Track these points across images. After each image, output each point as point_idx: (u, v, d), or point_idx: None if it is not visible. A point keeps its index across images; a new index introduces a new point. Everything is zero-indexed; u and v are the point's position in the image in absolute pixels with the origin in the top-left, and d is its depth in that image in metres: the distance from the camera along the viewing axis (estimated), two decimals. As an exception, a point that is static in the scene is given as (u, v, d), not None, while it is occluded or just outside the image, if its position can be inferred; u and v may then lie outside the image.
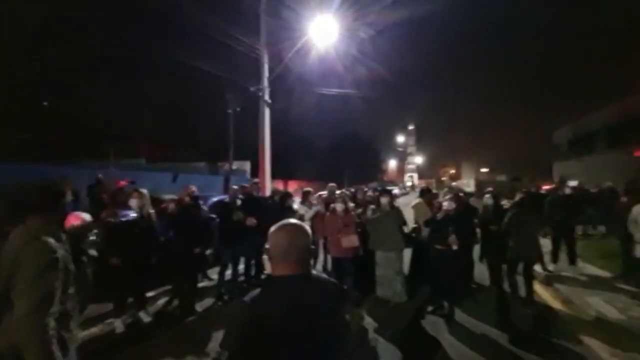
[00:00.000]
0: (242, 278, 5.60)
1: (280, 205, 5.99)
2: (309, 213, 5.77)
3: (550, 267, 6.37)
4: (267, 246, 1.28)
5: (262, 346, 1.09)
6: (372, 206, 5.20)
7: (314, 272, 1.32)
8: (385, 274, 4.79)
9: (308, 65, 11.16)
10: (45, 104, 24.57)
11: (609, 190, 9.04)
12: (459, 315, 4.37)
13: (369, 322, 4.23)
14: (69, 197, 1.79)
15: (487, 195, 5.16)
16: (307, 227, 1.32)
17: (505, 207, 5.16)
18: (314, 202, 6.25)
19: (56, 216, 1.74)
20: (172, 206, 4.84)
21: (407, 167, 78.53)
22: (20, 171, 8.69)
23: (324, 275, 1.36)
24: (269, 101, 10.63)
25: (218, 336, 3.80)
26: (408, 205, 6.29)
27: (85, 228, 3.89)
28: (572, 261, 6.50)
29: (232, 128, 19.20)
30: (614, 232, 6.55)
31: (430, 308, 4.54)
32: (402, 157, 78.15)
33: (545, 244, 5.30)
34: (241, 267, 5.60)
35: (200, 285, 5.13)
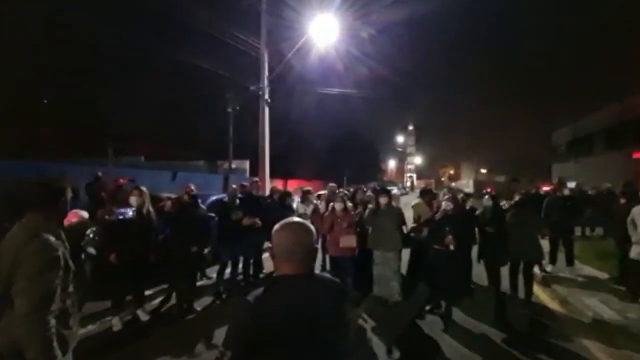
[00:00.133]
0: (240, 277, 5.60)
1: (280, 205, 6.00)
2: (308, 211, 5.78)
3: (548, 268, 6.38)
4: (270, 245, 1.27)
5: (265, 346, 1.09)
6: (371, 205, 5.21)
7: (316, 271, 1.30)
8: (383, 273, 4.80)
9: (308, 65, 11.18)
10: (45, 101, 24.51)
11: (608, 192, 9.06)
12: (457, 315, 4.37)
13: (367, 321, 4.23)
14: (70, 194, 1.75)
15: (487, 196, 5.16)
16: (311, 226, 1.29)
17: (504, 207, 5.17)
18: (314, 201, 6.25)
19: (56, 214, 1.73)
20: (169, 205, 4.85)
21: (406, 167, 78.48)
22: (17, 168, 8.68)
23: (327, 275, 1.35)
24: (269, 100, 10.63)
25: (216, 335, 3.82)
26: (407, 205, 6.30)
27: (82, 225, 3.89)
28: (570, 262, 6.52)
29: (231, 127, 19.19)
30: (611, 233, 6.57)
31: (427, 307, 4.55)
32: (402, 157, 78.06)
33: (544, 245, 5.33)
34: (240, 266, 5.60)
35: (198, 284, 5.13)
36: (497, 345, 3.74)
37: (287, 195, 6.13)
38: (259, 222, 5.32)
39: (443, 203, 4.64)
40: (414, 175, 76.03)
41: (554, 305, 4.96)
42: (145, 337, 3.88)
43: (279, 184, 18.16)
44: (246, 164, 25.85)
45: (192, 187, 4.98)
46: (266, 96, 10.57)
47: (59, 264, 1.56)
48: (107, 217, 4.21)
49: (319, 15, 9.64)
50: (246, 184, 6.32)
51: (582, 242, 8.42)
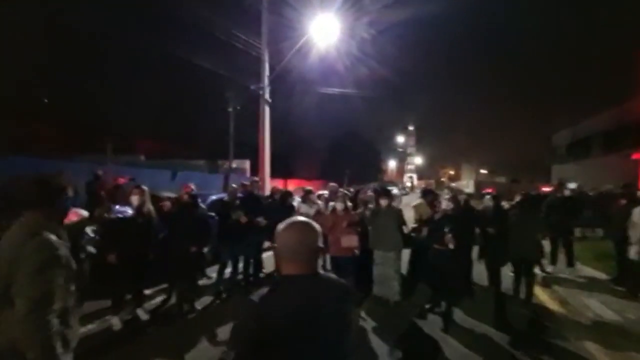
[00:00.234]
0: (240, 277, 5.59)
1: (281, 204, 5.99)
2: (310, 211, 5.77)
3: (549, 268, 6.39)
4: (270, 244, 1.26)
5: (268, 346, 1.08)
6: (371, 205, 5.20)
7: (321, 271, 1.29)
8: (384, 273, 4.80)
9: (309, 65, 11.17)
10: (45, 100, 24.50)
11: (607, 193, 9.07)
12: (458, 315, 4.38)
13: (367, 321, 4.23)
14: (71, 192, 1.72)
15: (488, 197, 5.17)
16: (316, 225, 1.28)
17: (505, 208, 5.17)
18: (316, 201, 6.24)
19: (56, 212, 1.71)
20: (168, 204, 4.83)
21: (406, 168, 78.50)
22: (15, 165, 8.68)
23: (332, 275, 1.34)
24: (269, 100, 10.63)
25: (216, 334, 3.82)
26: (408, 205, 6.30)
27: (81, 223, 3.88)
28: (570, 263, 6.52)
29: (232, 126, 19.19)
30: (610, 234, 6.58)
31: (427, 305, 4.55)
32: (402, 158, 78.10)
33: (544, 245, 5.36)
34: (240, 265, 5.60)
35: (198, 283, 5.11)
36: (497, 345, 3.74)
37: (288, 194, 6.12)
38: (263, 221, 5.31)
39: (443, 203, 4.64)
40: (414, 176, 76.03)
41: (553, 305, 4.96)
42: (145, 336, 3.87)
43: (279, 184, 18.17)
44: (246, 164, 25.85)
45: (192, 186, 4.98)
46: (267, 96, 10.56)
47: (60, 263, 1.55)
48: (105, 215, 4.19)
49: (319, 15, 9.64)
50: (247, 183, 6.31)
51: (582, 243, 8.43)
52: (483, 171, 64.27)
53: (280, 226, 1.25)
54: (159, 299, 4.77)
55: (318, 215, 5.67)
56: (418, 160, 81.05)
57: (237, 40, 10.29)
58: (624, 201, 6.03)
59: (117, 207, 4.16)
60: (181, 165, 21.22)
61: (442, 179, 70.40)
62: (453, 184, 41.35)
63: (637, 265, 4.97)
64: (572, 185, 8.84)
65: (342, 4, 9.67)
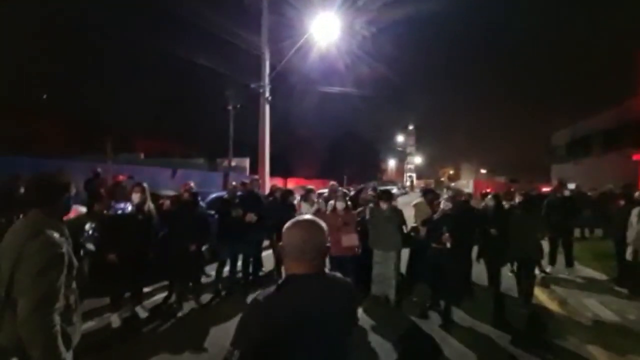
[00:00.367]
0: (240, 275, 5.59)
1: (282, 203, 5.99)
2: (311, 210, 5.77)
3: (548, 268, 6.40)
4: (280, 243, 1.25)
5: (273, 346, 1.08)
6: (371, 205, 5.20)
7: (327, 270, 1.28)
8: (382, 272, 4.80)
9: (309, 64, 11.15)
10: (44, 97, 24.45)
11: (607, 194, 9.09)
12: (458, 314, 4.38)
13: (367, 321, 4.22)
14: (73, 190, 1.71)
15: (489, 197, 5.17)
16: (323, 224, 1.26)
17: (505, 207, 5.17)
18: (316, 200, 6.24)
19: (59, 209, 1.70)
20: (167, 204, 4.82)
21: (406, 167, 78.49)
22: (15, 164, 8.67)
23: (338, 274, 1.33)
24: (270, 98, 10.61)
25: (215, 332, 3.82)
26: (408, 204, 6.30)
27: (80, 220, 3.87)
28: (569, 263, 6.53)
29: (232, 125, 19.18)
30: (610, 235, 6.60)
31: (427, 304, 4.57)
32: (402, 157, 78.09)
33: (543, 245, 5.38)
34: (239, 264, 5.59)
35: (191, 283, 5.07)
36: (497, 345, 3.74)
37: (288, 193, 6.11)
38: (254, 216, 5.28)
39: (442, 202, 4.65)
40: (414, 175, 76.09)
41: (553, 305, 4.97)
42: (144, 334, 3.87)
43: (278, 183, 18.18)
44: (246, 162, 25.86)
45: (192, 184, 4.97)
46: (267, 94, 10.55)
47: (63, 261, 1.55)
48: (105, 211, 4.18)
49: (320, 14, 9.62)
50: (247, 181, 6.31)
51: (581, 243, 8.44)
52: (482, 171, 64.36)
53: (287, 225, 1.24)
54: (158, 297, 4.77)
55: (318, 214, 5.67)
56: (418, 159, 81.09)
57: (237, 38, 10.28)
58: (622, 202, 6.05)
59: (119, 205, 4.14)
60: (181, 164, 21.22)
61: (442, 179, 70.47)
62: (452, 184, 41.37)
63: (637, 265, 4.97)
64: (571, 186, 8.86)
65: (342, 2, 9.66)
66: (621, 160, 16.33)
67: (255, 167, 12.63)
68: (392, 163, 75.60)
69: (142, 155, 24.36)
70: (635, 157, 14.92)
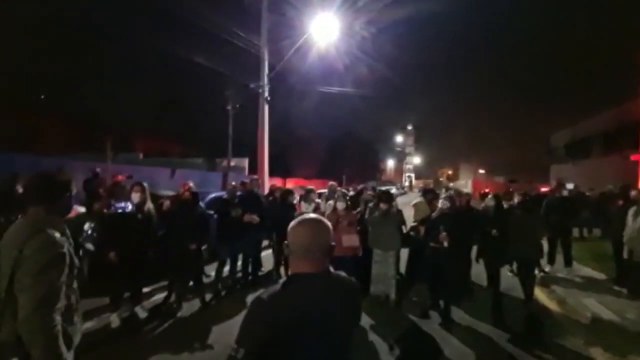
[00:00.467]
0: (239, 275, 5.58)
1: (282, 203, 5.99)
2: (310, 210, 5.77)
3: (547, 268, 6.41)
4: (286, 242, 1.23)
5: (278, 344, 1.08)
6: (371, 204, 5.20)
7: (332, 269, 1.27)
8: (382, 272, 4.81)
9: (308, 64, 11.15)
10: (42, 97, 24.39)
11: (606, 194, 9.12)
12: (457, 314, 4.39)
13: (367, 321, 4.22)
14: (74, 189, 1.71)
15: (489, 196, 5.18)
16: (329, 223, 1.26)
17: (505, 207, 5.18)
18: (316, 200, 6.24)
19: (60, 208, 1.69)
20: (167, 204, 4.80)
21: (405, 167, 78.54)
22: (13, 163, 8.64)
23: (343, 274, 1.33)
24: (269, 98, 10.61)
25: (214, 332, 3.82)
26: (407, 204, 6.31)
27: (79, 219, 3.86)
28: (568, 263, 6.54)
29: (231, 124, 19.17)
30: (608, 235, 6.62)
31: (427, 303, 4.58)
32: (401, 157, 78.14)
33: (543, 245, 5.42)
34: (239, 263, 5.59)
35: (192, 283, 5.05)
36: (496, 344, 3.75)
37: (288, 193, 6.11)
38: (256, 218, 5.30)
39: (440, 202, 4.66)
40: (413, 175, 76.16)
41: (552, 305, 4.98)
42: (143, 334, 3.86)
43: (278, 183, 18.19)
44: (245, 162, 25.85)
45: (191, 184, 4.95)
46: (266, 94, 10.54)
47: (64, 261, 1.54)
48: (105, 210, 4.17)
49: (319, 14, 9.62)
50: (247, 181, 6.30)
51: (580, 243, 8.46)
52: (481, 171, 64.47)
53: (293, 223, 1.24)
54: (157, 297, 4.76)
55: (316, 213, 5.67)
56: (416, 160, 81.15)
57: (237, 38, 10.27)
58: (621, 202, 6.07)
59: (119, 203, 4.13)
60: (180, 163, 21.19)
61: (441, 179, 70.56)
62: (451, 184, 41.44)
63: (636, 265, 4.98)
64: (569, 186, 8.89)
65: (342, 3, 9.66)
66: (620, 161, 16.38)
67: (254, 167, 12.63)
68: (391, 163, 75.67)
69: (141, 155, 24.34)
70: (633, 158, 14.95)
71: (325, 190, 7.23)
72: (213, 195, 7.01)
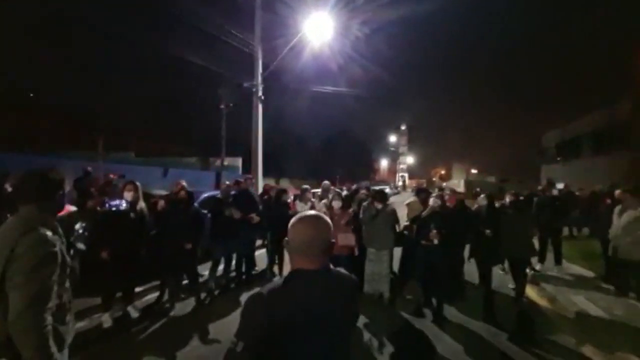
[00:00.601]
0: (233, 274, 5.57)
1: (276, 202, 5.99)
2: (305, 209, 5.78)
3: (537, 266, 6.51)
4: (286, 239, 1.24)
5: (276, 339, 1.09)
6: (365, 204, 5.23)
7: (331, 266, 1.29)
8: (376, 271, 4.84)
9: (302, 63, 11.13)
10: (31, 95, 24.02)
11: (597, 193, 9.27)
12: (450, 312, 4.44)
13: (360, 319, 4.24)
14: (67, 187, 1.69)
15: (482, 196, 5.24)
16: (329, 220, 1.27)
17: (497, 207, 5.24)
18: (312, 199, 6.25)
19: (52, 206, 1.67)
20: (162, 203, 4.77)
21: (398, 167, 78.88)
22: (3, 161, 8.51)
23: (343, 270, 1.34)
24: (262, 97, 10.58)
25: (208, 332, 3.80)
26: (401, 204, 6.34)
27: (71, 218, 3.82)
28: (558, 261, 6.65)
29: (224, 124, 19.05)
30: (597, 233, 6.73)
31: (421, 301, 4.62)
32: (394, 157, 78.48)
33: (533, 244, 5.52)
34: (232, 263, 5.58)
35: (186, 282, 5.00)
36: (488, 342, 3.80)
37: (283, 192, 6.12)
38: (256, 217, 5.32)
39: (431, 200, 4.71)
40: (406, 175, 76.53)
41: (542, 302, 5.06)
42: (136, 334, 3.83)
43: (271, 182, 18.14)
44: (238, 162, 25.74)
45: (184, 183, 4.92)
46: (260, 93, 10.51)
47: (56, 260, 1.53)
48: (98, 208, 4.13)
49: (313, 13, 9.62)
50: (241, 180, 6.29)
51: (570, 242, 8.59)
52: (474, 171, 65.04)
53: (293, 220, 1.25)
54: (150, 297, 4.73)
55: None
56: (410, 159, 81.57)
57: (230, 37, 10.22)
58: (609, 201, 6.18)
59: (113, 201, 4.09)
60: (173, 163, 21.03)
61: (434, 179, 70.99)
62: (444, 184, 41.73)
63: (625, 264, 5.08)
64: (559, 186, 9.02)
65: (336, 2, 9.68)
66: (609, 161, 16.66)
67: (248, 167, 12.58)
68: (384, 163, 75.98)
69: (133, 154, 24.10)
70: (621, 158, 15.24)
71: (319, 190, 7.24)
72: (206, 194, 6.97)
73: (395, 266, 5.46)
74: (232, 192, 5.63)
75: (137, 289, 4.60)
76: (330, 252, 1.25)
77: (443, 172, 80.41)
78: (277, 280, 1.21)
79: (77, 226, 4.43)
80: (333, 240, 1.26)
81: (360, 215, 5.09)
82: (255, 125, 10.59)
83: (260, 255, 6.39)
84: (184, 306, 4.53)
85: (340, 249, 4.66)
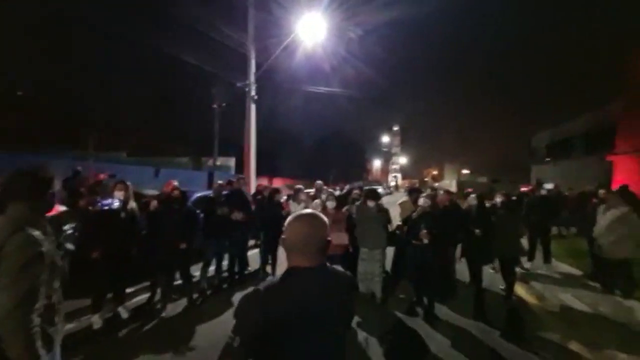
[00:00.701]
0: (225, 274, 5.56)
1: (269, 202, 5.99)
2: (299, 209, 5.79)
3: (527, 265, 6.62)
4: (283, 236, 1.25)
5: (273, 336, 1.10)
6: (357, 203, 5.26)
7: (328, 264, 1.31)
8: (368, 270, 4.87)
9: (295, 63, 11.13)
10: (19, 93, 23.58)
11: (586, 194, 9.46)
12: (441, 310, 4.49)
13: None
14: (57, 186, 1.67)
15: (472, 196, 5.30)
16: (325, 218, 1.29)
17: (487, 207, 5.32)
18: (303, 198, 6.27)
19: (42, 205, 1.66)
20: (154, 203, 4.73)
21: (391, 168, 79.21)
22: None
23: (339, 268, 1.36)
24: (256, 97, 10.56)
25: (199, 332, 3.79)
26: (393, 204, 6.40)
27: (61, 217, 3.77)
28: (547, 260, 6.77)
29: (217, 123, 18.94)
30: (584, 232, 6.87)
31: (413, 300, 4.67)
32: (387, 158, 78.79)
33: (523, 243, 5.61)
34: (224, 262, 5.56)
35: (179, 282, 4.96)
36: (479, 339, 3.86)
37: (276, 192, 6.12)
38: (239, 214, 5.29)
39: (420, 200, 4.76)
40: (399, 175, 76.87)
41: (531, 300, 5.15)
42: (126, 335, 3.80)
43: (264, 182, 18.09)
44: (231, 161, 25.63)
45: (175, 183, 4.89)
46: (253, 93, 10.49)
47: (44, 260, 1.52)
48: (90, 207, 4.08)
49: (306, 14, 9.63)
50: (233, 180, 6.28)
51: (558, 241, 8.74)
52: (465, 171, 65.60)
53: (290, 219, 1.27)
54: (141, 298, 4.69)
55: None
56: (403, 160, 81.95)
57: (224, 36, 10.18)
58: (595, 200, 6.32)
59: (105, 200, 4.05)
60: (165, 162, 20.85)
61: (426, 179, 71.42)
62: (436, 184, 42.04)
63: (610, 262, 5.20)
64: (549, 186, 9.17)
65: (329, 3, 9.69)
66: (598, 161, 16.94)
67: (241, 167, 12.53)
68: (377, 163, 76.25)
69: (125, 154, 23.84)
70: (607, 158, 15.50)
71: (312, 190, 7.25)
72: (198, 194, 6.94)
73: (388, 266, 5.51)
74: (225, 192, 5.61)
75: (128, 290, 4.57)
76: (326, 250, 1.27)
77: (435, 172, 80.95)
78: (273, 277, 1.23)
79: (67, 226, 4.38)
80: (329, 239, 1.27)
81: (354, 215, 5.12)
82: (249, 125, 10.57)
83: (254, 255, 6.38)
84: (176, 307, 4.51)
85: (334, 248, 4.68)
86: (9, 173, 1.60)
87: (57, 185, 1.75)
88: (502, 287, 5.14)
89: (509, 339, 3.82)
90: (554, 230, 9.01)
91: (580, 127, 21.13)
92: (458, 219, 5.13)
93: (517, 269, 6.26)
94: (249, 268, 6.02)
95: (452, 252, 5.25)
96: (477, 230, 4.80)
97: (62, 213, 3.65)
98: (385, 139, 78.53)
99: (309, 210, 1.32)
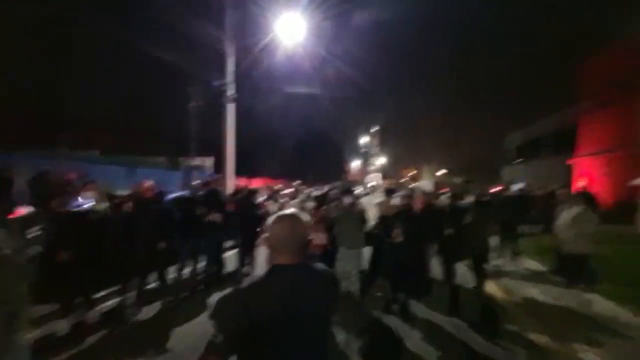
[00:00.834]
0: (202, 276, 5.48)
1: (247, 202, 5.96)
2: (275, 208, 5.80)
3: (497, 261, 6.89)
4: (265, 235, 1.29)
5: (258, 331, 1.13)
6: (334, 203, 5.33)
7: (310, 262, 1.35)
8: (346, 269, 4.94)
9: (274, 63, 11.09)
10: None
11: (554, 193, 9.92)
12: (417, 308, 4.62)
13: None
14: (23, 187, 1.63)
15: (444, 196, 5.46)
16: (306, 218, 1.34)
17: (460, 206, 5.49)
18: (281, 199, 6.28)
19: (4, 207, 1.61)
20: (129, 204, 4.59)
21: (370, 168, 80.00)
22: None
23: (320, 265, 1.39)
24: (234, 96, 10.45)
25: (175, 335, 3.74)
26: (373, 203, 6.49)
27: (28, 219, 3.62)
28: (515, 257, 7.08)
29: (194, 122, 18.60)
30: (549, 230, 7.22)
31: (389, 298, 4.77)
32: (366, 158, 79.50)
33: (492, 240, 5.85)
34: (202, 264, 5.49)
35: (155, 284, 4.83)
36: (453, 336, 4.01)
37: (254, 192, 6.10)
38: (218, 216, 5.24)
39: (394, 200, 4.88)
40: (380, 175, 77.51)
41: (501, 295, 5.38)
42: (98, 341, 3.68)
43: (243, 182, 17.90)
44: (209, 161, 25.21)
45: (150, 183, 4.76)
46: (230, 92, 10.37)
47: (6, 262, 1.47)
48: (60, 209, 3.93)
49: (285, 14, 9.62)
50: (210, 179, 6.21)
51: (526, 238, 9.13)
52: (441, 172, 67.13)
53: (272, 219, 1.32)
54: (111, 302, 4.54)
55: None
56: (382, 160, 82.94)
57: (202, 34, 10.02)
58: (554, 200, 6.67)
59: (77, 201, 3.91)
60: (139, 162, 20.24)
61: (402, 180, 72.65)
62: (414, 184, 42.83)
63: (573, 257, 5.49)
64: (517, 186, 9.58)
65: (308, 3, 9.73)
66: (564, 162, 17.80)
67: (220, 166, 12.35)
68: (356, 164, 76.85)
69: (98, 153, 22.97)
70: (568, 162, 16.31)
71: (290, 190, 7.27)
72: (174, 194, 6.81)
73: (365, 264, 5.59)
74: (201, 193, 5.54)
75: (100, 294, 4.44)
76: (307, 248, 1.31)
77: (413, 172, 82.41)
78: (254, 276, 1.26)
79: (34, 228, 4.20)
80: (310, 238, 1.32)
81: (332, 215, 5.18)
82: (226, 125, 10.44)
83: (231, 256, 6.32)
84: (150, 310, 4.41)
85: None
86: None
87: (23, 185, 1.71)
88: (474, 285, 5.33)
89: (482, 334, 3.99)
90: (523, 228, 9.40)
91: (549, 128, 22.06)
92: (433, 219, 5.27)
93: (488, 266, 6.52)
94: (226, 269, 5.97)
95: (428, 250, 5.39)
96: (448, 230, 4.96)
97: (29, 214, 3.51)
98: (365, 139, 79.27)
99: (290, 211, 1.37)
